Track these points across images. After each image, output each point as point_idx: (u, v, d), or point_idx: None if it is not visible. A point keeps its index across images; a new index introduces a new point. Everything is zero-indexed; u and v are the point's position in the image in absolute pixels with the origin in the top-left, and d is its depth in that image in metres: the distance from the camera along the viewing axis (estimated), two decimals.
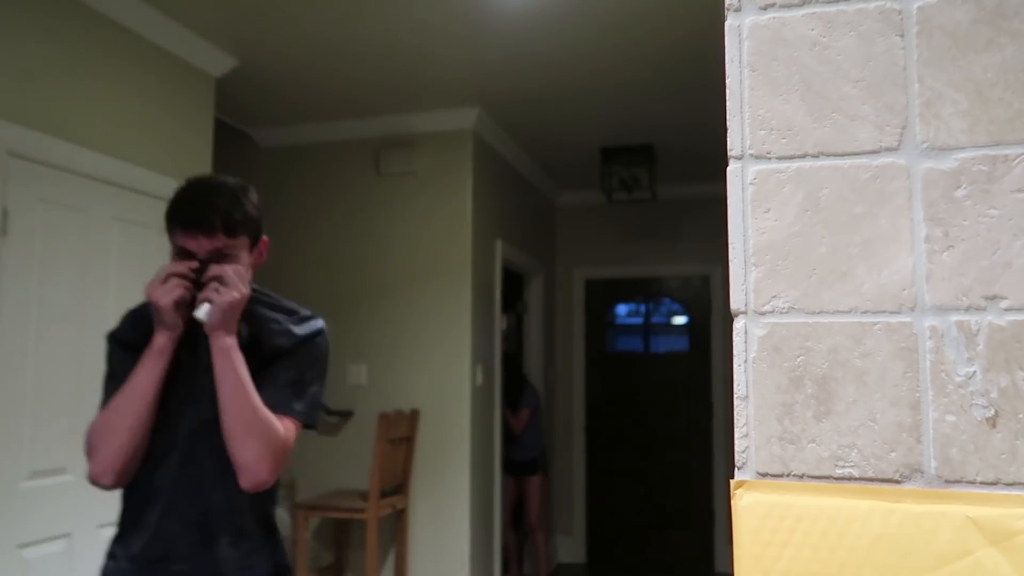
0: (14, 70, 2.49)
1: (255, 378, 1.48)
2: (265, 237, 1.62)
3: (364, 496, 3.81)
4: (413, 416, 4.12)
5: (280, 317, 1.58)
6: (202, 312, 1.44)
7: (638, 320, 6.17)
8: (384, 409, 4.08)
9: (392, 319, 4.25)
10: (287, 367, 1.54)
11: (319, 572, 4.06)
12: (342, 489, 4.17)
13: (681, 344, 5.94)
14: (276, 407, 1.50)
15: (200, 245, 1.47)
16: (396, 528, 4.09)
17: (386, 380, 4.23)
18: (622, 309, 6.19)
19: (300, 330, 1.58)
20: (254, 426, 1.44)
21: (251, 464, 1.44)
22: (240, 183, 1.56)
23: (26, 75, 2.53)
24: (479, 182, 4.31)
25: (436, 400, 4.15)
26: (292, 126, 4.41)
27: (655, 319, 6.11)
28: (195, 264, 1.47)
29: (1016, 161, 0.64)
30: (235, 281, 1.46)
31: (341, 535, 4.20)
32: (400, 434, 3.94)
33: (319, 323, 1.63)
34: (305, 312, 1.63)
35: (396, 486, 3.96)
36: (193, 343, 1.51)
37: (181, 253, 1.49)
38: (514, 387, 5.05)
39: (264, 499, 1.56)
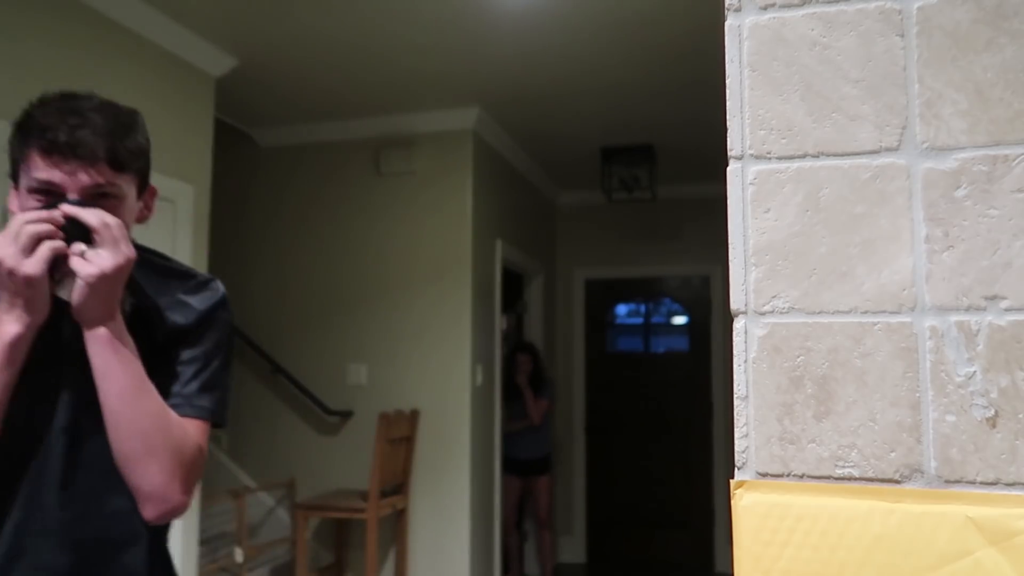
0: (14, 70, 2.49)
1: (148, 369, 1.10)
2: (154, 185, 1.21)
3: (364, 496, 3.81)
4: (413, 416, 4.12)
5: (172, 283, 1.19)
6: (71, 291, 1.02)
7: (638, 320, 6.17)
8: (384, 409, 4.08)
9: (392, 319, 4.25)
10: (189, 353, 1.16)
11: (319, 572, 4.07)
12: (342, 489, 4.17)
13: (681, 344, 5.94)
14: (182, 407, 1.14)
15: (74, 179, 1.03)
16: (396, 528, 4.09)
17: (386, 380, 4.23)
18: (622, 309, 6.19)
19: (200, 302, 1.19)
20: (158, 439, 1.06)
21: (159, 489, 1.07)
22: (128, 107, 1.16)
23: (26, 75, 2.53)
24: (479, 182, 4.31)
25: (436, 400, 4.15)
26: (292, 126, 4.41)
27: (655, 319, 6.11)
28: (74, 210, 1.01)
29: (1016, 161, 0.64)
30: (113, 237, 1.02)
31: (341, 535, 4.20)
32: (400, 434, 3.94)
33: (220, 289, 1.23)
34: (201, 276, 1.23)
35: (396, 486, 3.96)
36: (53, 321, 1.07)
37: (40, 191, 1.04)
38: (536, 376, 4.95)
39: (164, 528, 1.19)
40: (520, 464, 4.95)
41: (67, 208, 1.01)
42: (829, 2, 0.70)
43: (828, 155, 0.69)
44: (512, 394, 4.90)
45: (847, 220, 0.67)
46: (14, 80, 2.49)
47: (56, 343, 1.10)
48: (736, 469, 0.68)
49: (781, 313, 0.68)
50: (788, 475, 0.67)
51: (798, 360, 0.68)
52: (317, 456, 4.29)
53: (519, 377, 4.86)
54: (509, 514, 4.96)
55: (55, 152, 1.02)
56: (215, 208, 3.61)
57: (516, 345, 5.10)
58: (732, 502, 0.67)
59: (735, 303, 0.70)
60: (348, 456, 4.22)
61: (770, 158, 0.70)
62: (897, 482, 0.64)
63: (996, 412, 0.62)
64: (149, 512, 1.09)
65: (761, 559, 0.65)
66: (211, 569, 3.61)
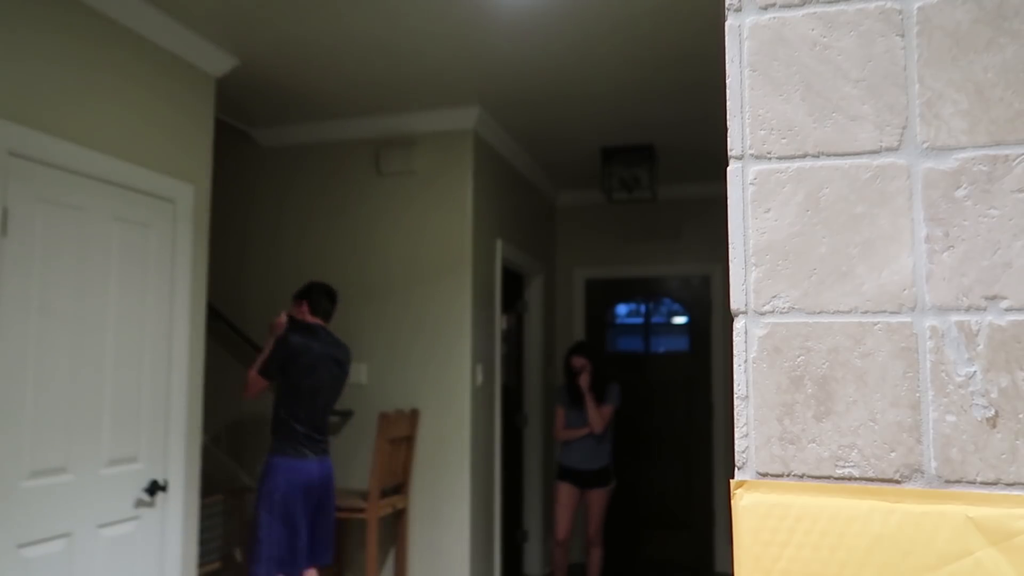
0: (14, 70, 2.49)
1: None
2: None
3: (364, 496, 3.81)
4: (413, 416, 4.12)
5: None
6: None
7: (638, 320, 6.17)
8: (384, 409, 4.08)
9: (392, 319, 4.25)
10: None
11: (319, 572, 4.06)
12: (342, 489, 4.16)
13: (681, 344, 5.94)
14: None
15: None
16: (396, 528, 4.09)
17: (386, 380, 4.23)
18: (622, 309, 6.19)
19: None
20: None
21: None
22: None
23: (26, 75, 2.53)
24: (479, 182, 4.31)
25: (436, 400, 4.15)
26: (293, 126, 4.41)
27: (655, 319, 6.10)
28: None
29: (1016, 161, 0.64)
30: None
31: (341, 535, 4.20)
32: (400, 434, 3.94)
33: None
34: None
35: (396, 486, 3.96)
36: None
37: None
38: (598, 379, 4.59)
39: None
40: (576, 474, 4.61)
41: None
42: (829, 2, 0.70)
43: (828, 155, 0.69)
44: (572, 399, 4.59)
45: (847, 220, 0.67)
46: (14, 80, 2.49)
47: None
48: (736, 469, 0.68)
49: (781, 313, 0.68)
50: (788, 475, 0.67)
51: (798, 360, 0.67)
52: None
53: (581, 380, 4.50)
54: (562, 525, 4.61)
55: None
56: (215, 208, 3.61)
57: (572, 347, 4.71)
58: (732, 502, 0.67)
59: (735, 303, 0.70)
60: (348, 456, 4.22)
61: (770, 158, 0.70)
62: (897, 482, 0.64)
63: (996, 412, 0.62)
64: None
65: (761, 559, 0.65)
66: (211, 569, 3.61)
